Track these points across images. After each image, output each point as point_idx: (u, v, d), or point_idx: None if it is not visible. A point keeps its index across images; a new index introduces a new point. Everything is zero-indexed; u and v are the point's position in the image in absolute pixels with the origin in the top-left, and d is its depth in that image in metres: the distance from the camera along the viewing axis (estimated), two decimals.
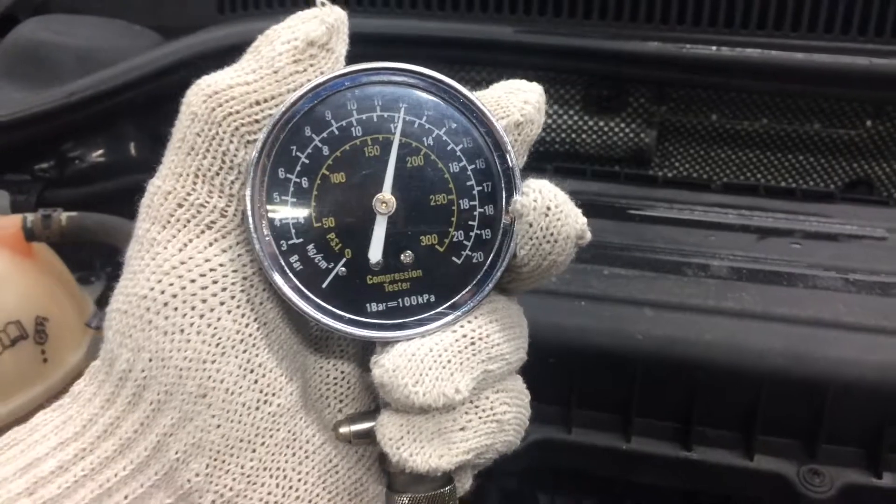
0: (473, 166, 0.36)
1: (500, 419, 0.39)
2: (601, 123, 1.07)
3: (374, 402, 0.42)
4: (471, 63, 1.03)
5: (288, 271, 0.35)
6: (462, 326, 0.37)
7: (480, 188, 0.37)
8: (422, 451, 0.37)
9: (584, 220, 0.37)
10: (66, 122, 1.02)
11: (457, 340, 0.37)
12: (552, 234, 0.36)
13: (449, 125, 0.36)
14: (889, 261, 0.77)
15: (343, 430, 0.39)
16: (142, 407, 0.36)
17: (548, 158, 1.06)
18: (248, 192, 0.34)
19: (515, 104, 0.39)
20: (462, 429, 0.38)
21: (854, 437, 0.68)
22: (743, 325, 0.70)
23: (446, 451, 0.38)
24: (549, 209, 0.36)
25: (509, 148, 0.37)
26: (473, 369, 0.37)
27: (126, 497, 0.36)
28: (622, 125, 1.07)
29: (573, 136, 1.08)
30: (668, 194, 0.92)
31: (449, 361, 0.36)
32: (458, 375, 0.36)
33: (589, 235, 0.38)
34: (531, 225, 0.36)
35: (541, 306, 0.72)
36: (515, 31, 1.00)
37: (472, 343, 0.37)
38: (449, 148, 0.36)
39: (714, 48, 0.98)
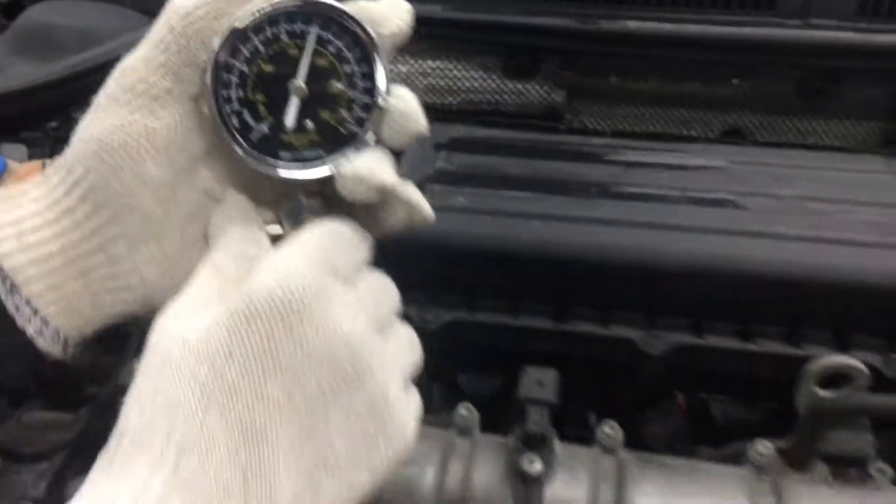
0: (360, 68, 0.56)
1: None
2: (519, 86, 1.28)
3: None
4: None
5: (230, 128, 0.54)
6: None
7: (365, 83, 0.56)
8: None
9: (426, 122, 0.55)
10: (70, 90, 1.22)
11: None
12: (404, 125, 0.57)
13: (345, 39, 0.53)
14: (723, 183, 0.99)
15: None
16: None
17: (474, 115, 1.28)
18: (208, 72, 0.52)
19: (390, 19, 0.54)
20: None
21: (683, 310, 0.90)
22: (605, 229, 0.92)
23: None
24: (405, 108, 0.56)
25: (383, 56, 0.54)
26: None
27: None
28: (537, 87, 1.29)
29: (496, 97, 1.29)
30: (567, 138, 1.14)
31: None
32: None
33: (427, 132, 0.55)
34: (392, 114, 0.55)
35: (453, 219, 0.94)
36: (443, 8, 1.21)
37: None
38: (344, 54, 0.55)
39: (613, 23, 1.19)
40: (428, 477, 0.86)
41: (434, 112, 1.28)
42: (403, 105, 0.55)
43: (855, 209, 0.93)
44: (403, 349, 0.53)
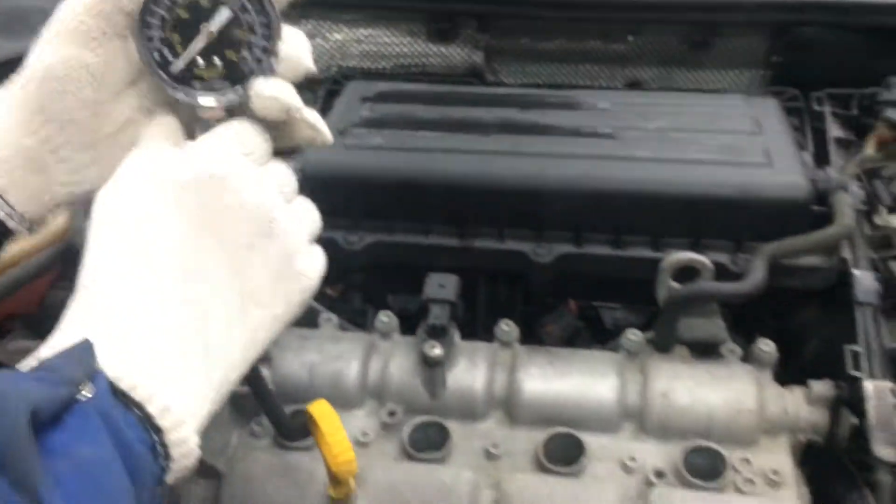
0: (259, 18, 0.65)
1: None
2: (442, 49, 1.45)
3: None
4: (340, 7, 1.41)
5: (153, 62, 0.65)
6: None
7: (263, 30, 0.70)
8: None
9: (312, 62, 0.67)
10: None
11: None
12: (294, 63, 0.66)
13: None
14: (603, 119, 1.15)
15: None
16: None
17: (403, 77, 1.44)
18: (136, 17, 0.64)
19: None
20: None
21: (566, 225, 1.07)
22: (500, 159, 1.09)
23: None
24: (295, 51, 0.66)
25: (276, 8, 0.66)
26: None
27: None
28: (458, 50, 1.45)
29: (423, 59, 1.45)
30: (475, 88, 1.30)
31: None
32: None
33: (314, 69, 0.68)
34: (286, 55, 0.66)
35: (372, 156, 1.11)
36: None
37: None
38: (246, 6, 0.65)
39: None
40: (353, 369, 1.02)
41: (370, 76, 1.45)
42: (294, 49, 0.67)
43: (708, 136, 1.09)
44: (306, 214, 0.65)
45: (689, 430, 0.95)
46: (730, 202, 1.02)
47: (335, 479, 0.79)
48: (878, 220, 1.07)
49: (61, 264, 1.08)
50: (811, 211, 1.03)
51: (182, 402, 0.54)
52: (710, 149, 1.07)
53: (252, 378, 0.88)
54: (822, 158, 1.16)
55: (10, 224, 0.67)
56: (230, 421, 0.99)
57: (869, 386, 0.91)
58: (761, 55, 1.36)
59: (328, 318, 1.11)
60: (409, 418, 0.98)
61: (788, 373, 1.04)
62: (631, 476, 0.92)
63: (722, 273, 1.02)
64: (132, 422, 0.51)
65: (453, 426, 0.97)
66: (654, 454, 0.94)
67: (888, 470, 0.86)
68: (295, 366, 1.02)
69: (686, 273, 1.00)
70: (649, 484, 0.91)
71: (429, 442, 0.96)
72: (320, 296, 1.17)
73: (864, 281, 0.99)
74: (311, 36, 1.43)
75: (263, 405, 0.91)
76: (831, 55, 1.31)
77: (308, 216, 0.67)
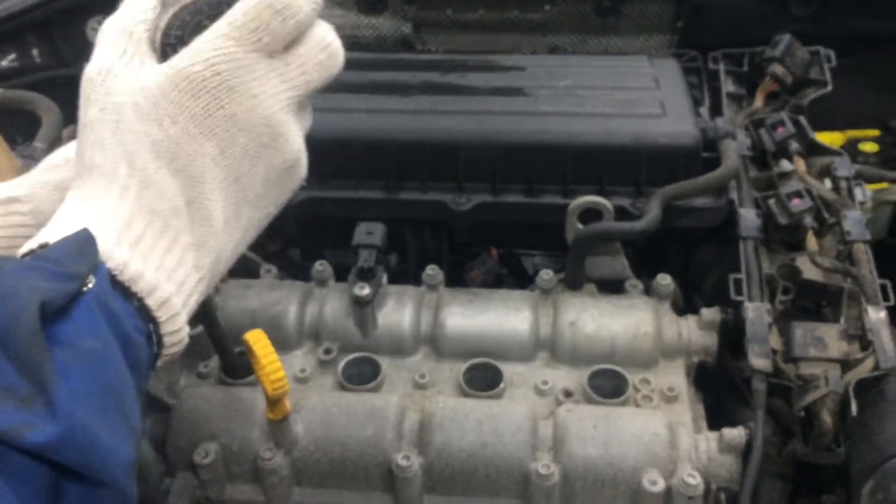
0: None
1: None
2: (373, 21, 1.53)
3: None
4: None
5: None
6: None
7: None
8: None
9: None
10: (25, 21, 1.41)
11: None
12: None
13: None
14: (517, 79, 1.25)
15: None
16: None
17: None
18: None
19: None
20: None
21: (483, 176, 1.17)
22: (421, 117, 1.18)
23: None
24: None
25: None
26: None
27: None
28: (387, 21, 1.53)
29: (354, 31, 1.53)
30: (402, 55, 1.39)
31: None
32: None
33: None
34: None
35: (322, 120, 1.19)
36: None
37: None
38: None
39: None
40: (291, 313, 1.11)
41: None
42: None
43: (611, 92, 1.20)
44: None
45: (596, 355, 1.06)
46: (627, 150, 1.13)
47: (271, 401, 0.88)
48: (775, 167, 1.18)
49: None
50: (701, 157, 1.14)
51: (177, 294, 0.57)
52: (612, 103, 1.18)
53: (206, 314, 0.97)
54: (717, 111, 1.27)
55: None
56: (179, 362, 1.07)
57: (749, 307, 1.02)
58: (667, 21, 1.47)
59: (268, 270, 1.20)
60: (343, 356, 1.07)
61: (693, 306, 1.16)
62: (543, 398, 1.03)
63: (624, 215, 1.12)
64: (131, 311, 0.54)
65: (384, 361, 1.07)
66: (564, 378, 1.05)
67: (762, 378, 0.97)
68: (237, 312, 1.11)
69: (590, 215, 1.11)
70: (559, 403, 1.01)
71: (362, 376, 1.05)
72: (260, 250, 1.26)
73: (748, 217, 1.11)
74: None
75: (214, 340, 1.00)
76: (728, 19, 1.42)
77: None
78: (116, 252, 0.55)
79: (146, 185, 0.57)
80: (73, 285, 0.51)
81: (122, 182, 0.57)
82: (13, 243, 0.69)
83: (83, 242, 0.53)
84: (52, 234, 0.55)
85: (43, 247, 0.54)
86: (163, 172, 0.57)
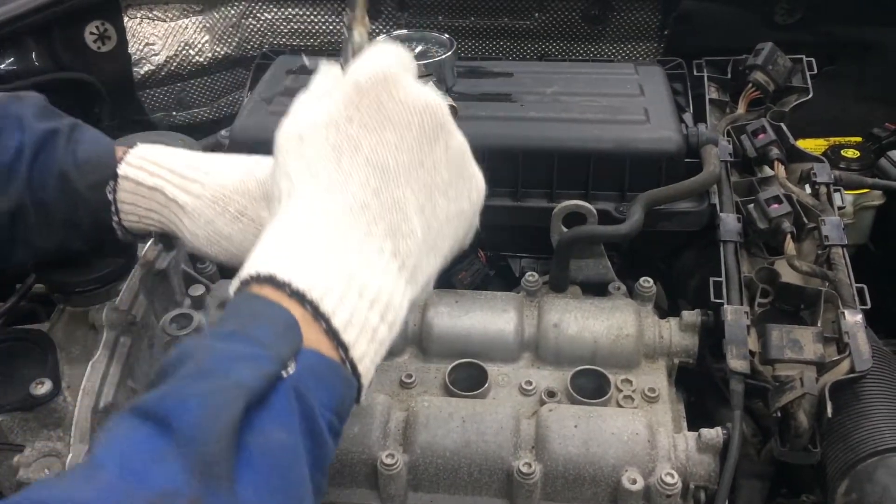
0: None
1: None
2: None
3: None
4: None
5: None
6: None
7: None
8: None
9: None
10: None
11: None
12: None
13: None
14: (507, 85, 1.27)
15: None
16: None
17: (329, 54, 1.54)
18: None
19: None
20: None
21: None
22: None
23: None
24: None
25: None
26: None
27: None
28: (380, 27, 1.56)
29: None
30: None
31: None
32: None
33: None
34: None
35: None
36: None
37: None
38: None
39: None
40: None
41: (298, 52, 1.55)
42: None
43: (596, 99, 1.22)
44: None
45: (579, 356, 1.08)
46: (612, 155, 1.15)
47: None
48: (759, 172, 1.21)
49: None
50: (684, 162, 1.17)
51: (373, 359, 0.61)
52: (597, 109, 1.20)
53: None
54: (700, 118, 1.30)
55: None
56: None
57: (728, 310, 1.05)
58: (654, 29, 1.49)
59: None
60: None
61: (678, 309, 1.18)
62: (527, 398, 1.05)
63: (608, 219, 1.15)
64: (329, 399, 0.54)
65: None
66: (548, 378, 1.07)
67: (740, 379, 1.00)
68: None
69: (575, 219, 1.13)
70: (542, 403, 1.03)
71: None
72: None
73: (728, 222, 1.13)
74: (243, 16, 1.54)
75: None
76: (713, 28, 1.45)
77: None
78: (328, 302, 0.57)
79: (331, 189, 0.61)
80: (274, 369, 0.51)
81: (310, 189, 0.62)
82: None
83: (288, 325, 0.54)
84: (240, 284, 0.59)
85: (256, 278, 0.57)
86: (346, 170, 0.61)
